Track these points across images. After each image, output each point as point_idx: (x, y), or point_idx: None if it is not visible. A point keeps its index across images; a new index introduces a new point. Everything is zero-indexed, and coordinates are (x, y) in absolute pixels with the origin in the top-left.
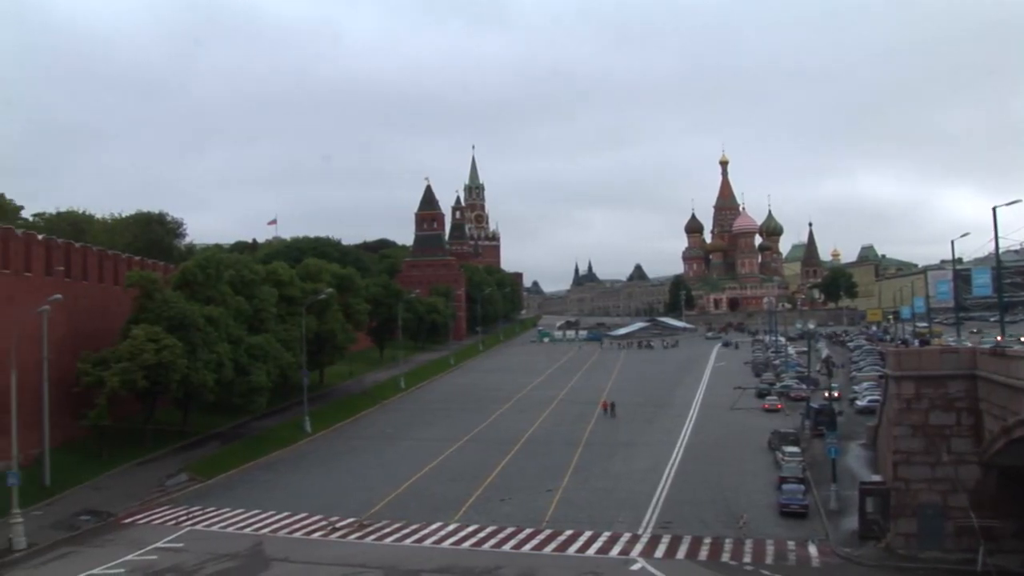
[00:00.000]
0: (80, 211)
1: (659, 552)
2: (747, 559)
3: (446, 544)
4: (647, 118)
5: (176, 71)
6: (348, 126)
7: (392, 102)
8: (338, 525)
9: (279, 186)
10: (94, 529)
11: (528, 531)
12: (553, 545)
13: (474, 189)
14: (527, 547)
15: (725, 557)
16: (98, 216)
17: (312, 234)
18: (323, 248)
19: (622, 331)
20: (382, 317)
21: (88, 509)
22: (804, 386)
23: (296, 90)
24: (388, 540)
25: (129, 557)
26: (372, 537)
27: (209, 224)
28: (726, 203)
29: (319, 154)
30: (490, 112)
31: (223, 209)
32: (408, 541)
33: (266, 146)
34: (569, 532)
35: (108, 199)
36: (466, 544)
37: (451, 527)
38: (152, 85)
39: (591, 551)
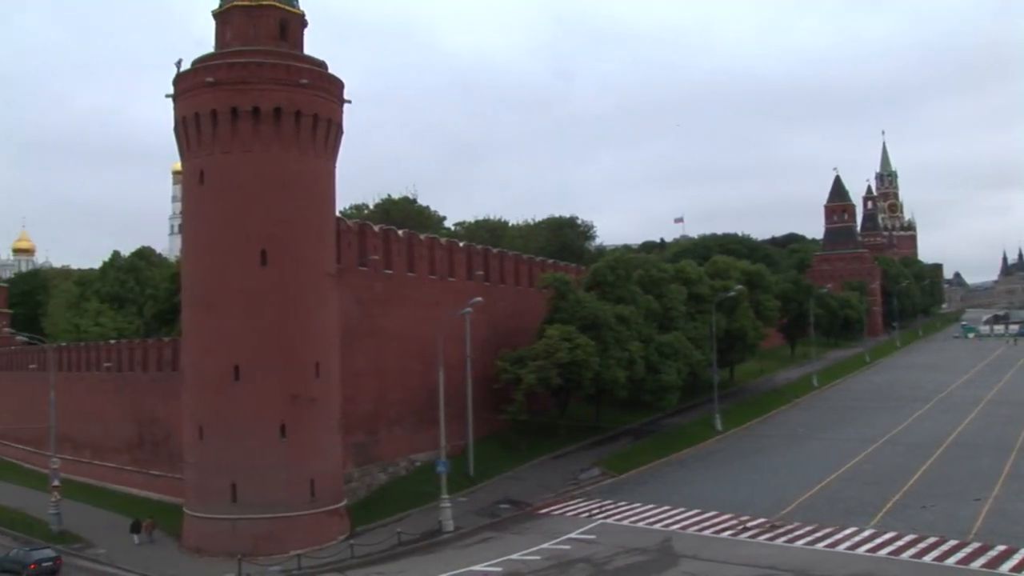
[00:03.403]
0: (496, 218)
1: None
2: None
3: (861, 551)
4: None
5: (558, 83)
6: (737, 121)
7: (779, 94)
8: (748, 525)
9: (680, 185)
10: (512, 517)
11: (952, 543)
12: (982, 560)
13: (885, 177)
14: (951, 560)
15: None
16: (512, 223)
17: (719, 231)
18: (731, 245)
19: None
20: (793, 313)
21: (507, 498)
22: None
23: (676, 90)
24: (799, 543)
25: (544, 545)
26: (783, 539)
27: (613, 225)
28: None
29: (710, 152)
30: (886, 95)
31: (625, 210)
32: (820, 545)
33: (657, 147)
34: (1001, 547)
35: (510, 207)
36: (883, 552)
37: (866, 533)
38: (537, 98)
39: None
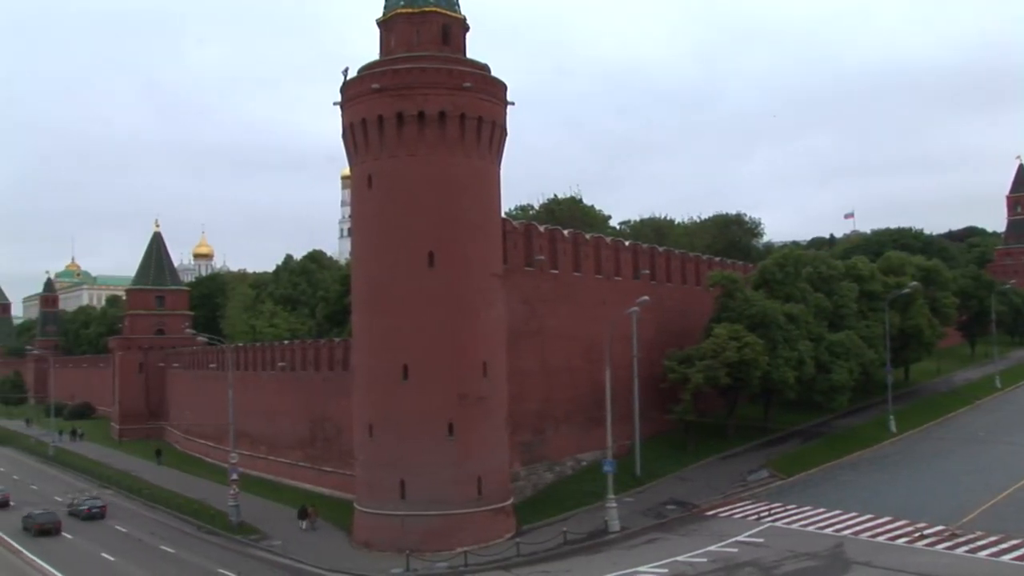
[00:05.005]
0: (661, 216)
1: None
2: None
3: None
4: None
5: (711, 82)
6: (900, 112)
7: (944, 82)
8: (926, 532)
9: (846, 179)
10: (679, 519)
11: None
12: None
13: None
14: None
15: None
16: (677, 220)
17: (892, 225)
18: (904, 240)
19: None
20: (972, 311)
21: (674, 499)
22: None
23: (832, 83)
24: (983, 554)
25: (711, 548)
26: (963, 549)
27: (779, 222)
28: None
29: (874, 145)
30: None
31: (790, 207)
32: (1007, 558)
33: (818, 141)
34: None
35: (673, 205)
36: None
37: None
38: (691, 97)
39: None
